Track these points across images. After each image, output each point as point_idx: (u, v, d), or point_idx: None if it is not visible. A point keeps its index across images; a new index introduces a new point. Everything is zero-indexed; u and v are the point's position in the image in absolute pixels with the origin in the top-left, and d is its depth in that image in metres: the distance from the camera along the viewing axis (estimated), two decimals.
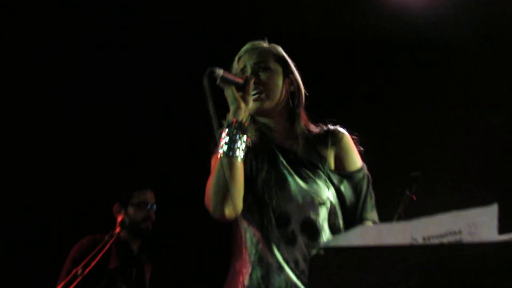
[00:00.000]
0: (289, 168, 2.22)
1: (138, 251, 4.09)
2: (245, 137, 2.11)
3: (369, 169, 2.40)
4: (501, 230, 1.38)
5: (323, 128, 2.34)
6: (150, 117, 4.77)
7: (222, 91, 2.18)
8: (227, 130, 2.11)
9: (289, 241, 2.15)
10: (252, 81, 2.19)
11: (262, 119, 2.31)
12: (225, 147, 2.11)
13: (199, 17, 4.53)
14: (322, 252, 1.27)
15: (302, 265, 2.13)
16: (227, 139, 2.11)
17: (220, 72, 2.08)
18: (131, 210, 4.05)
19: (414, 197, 3.37)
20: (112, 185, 4.28)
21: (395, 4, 4.47)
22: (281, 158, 2.23)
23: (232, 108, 2.14)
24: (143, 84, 4.68)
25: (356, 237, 1.34)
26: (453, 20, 4.48)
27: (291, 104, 2.31)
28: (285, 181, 2.19)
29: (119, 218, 4.00)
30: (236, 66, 2.32)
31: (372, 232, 1.35)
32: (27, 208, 4.63)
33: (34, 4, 4.43)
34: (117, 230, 3.88)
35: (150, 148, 4.80)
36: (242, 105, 2.13)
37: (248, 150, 2.16)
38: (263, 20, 4.27)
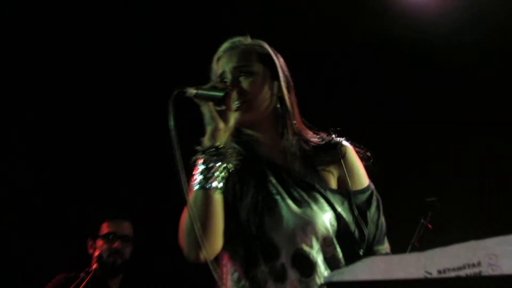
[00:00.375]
0: (280, 189, 1.93)
1: None
2: (225, 164, 1.84)
3: (380, 194, 2.16)
4: None
5: (324, 139, 2.05)
6: (133, 145, 4.61)
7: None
8: (202, 157, 1.84)
9: (278, 277, 1.86)
10: (234, 93, 1.90)
11: (248, 130, 2.02)
12: (200, 178, 1.83)
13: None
14: (325, 287, 1.16)
15: None
16: (202, 167, 1.83)
17: (192, 91, 1.81)
18: (99, 242, 3.75)
19: (430, 226, 3.20)
20: (88, 219, 4.04)
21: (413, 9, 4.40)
22: (271, 177, 1.95)
23: (208, 129, 1.86)
24: (125, 109, 4.52)
25: (363, 270, 1.27)
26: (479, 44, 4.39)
27: (280, 111, 2.00)
28: (274, 205, 1.90)
29: (96, 253, 3.75)
30: (215, 67, 2.04)
31: (381, 265, 1.26)
32: None
33: None
34: (94, 266, 3.58)
35: (137, 179, 4.63)
36: (221, 125, 1.85)
37: (230, 174, 1.88)
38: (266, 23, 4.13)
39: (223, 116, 1.87)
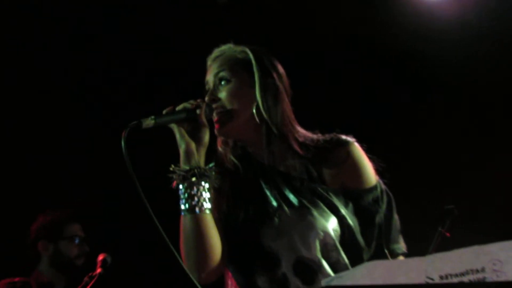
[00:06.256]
0: (277, 195, 1.85)
1: None
2: (206, 184, 1.78)
3: (398, 202, 2.09)
4: None
5: (325, 139, 1.93)
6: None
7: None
8: (181, 183, 1.78)
9: (280, 286, 1.79)
10: (204, 106, 1.84)
11: (240, 143, 1.94)
12: (185, 204, 1.79)
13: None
14: None
15: None
16: (184, 193, 1.78)
17: (150, 122, 1.74)
18: (62, 244, 3.62)
19: (448, 234, 3.16)
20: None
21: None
22: (267, 186, 1.87)
23: (181, 152, 1.81)
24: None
25: (363, 275, 1.26)
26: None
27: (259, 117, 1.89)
28: (272, 213, 1.83)
29: (100, 257, 3.69)
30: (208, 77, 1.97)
31: (381, 269, 1.25)
32: None
33: None
34: (98, 270, 3.56)
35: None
36: (192, 145, 1.80)
37: (218, 189, 1.84)
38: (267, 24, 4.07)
39: (196, 133, 1.82)
